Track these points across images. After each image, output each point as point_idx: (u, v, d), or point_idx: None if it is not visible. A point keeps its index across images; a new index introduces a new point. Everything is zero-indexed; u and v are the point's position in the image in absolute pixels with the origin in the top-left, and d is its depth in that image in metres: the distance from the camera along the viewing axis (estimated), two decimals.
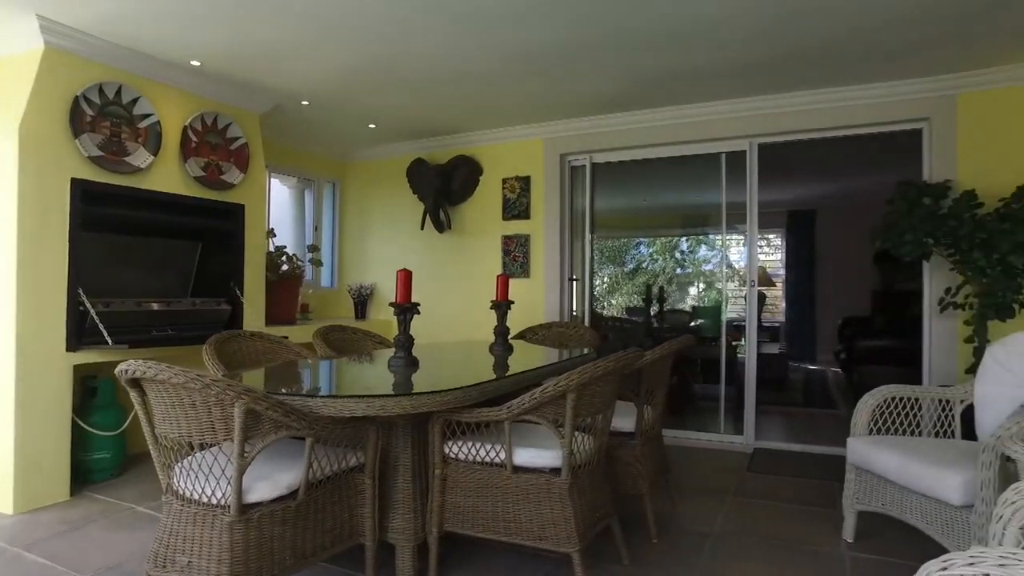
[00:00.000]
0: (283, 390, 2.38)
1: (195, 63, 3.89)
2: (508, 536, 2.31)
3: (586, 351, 3.67)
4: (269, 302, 4.84)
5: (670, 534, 2.94)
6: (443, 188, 5.56)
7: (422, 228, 5.68)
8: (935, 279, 4.07)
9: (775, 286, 9.80)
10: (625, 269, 11.52)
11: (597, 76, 4.12)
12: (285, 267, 5.13)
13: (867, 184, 8.34)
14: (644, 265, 11.51)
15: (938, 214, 3.65)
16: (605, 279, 11.78)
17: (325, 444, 2.14)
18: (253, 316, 4.54)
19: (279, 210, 6.06)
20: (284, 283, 5.09)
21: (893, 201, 3.90)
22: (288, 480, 1.98)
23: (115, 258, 3.92)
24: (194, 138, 4.11)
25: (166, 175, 3.97)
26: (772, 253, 10.27)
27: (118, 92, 3.65)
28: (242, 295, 4.43)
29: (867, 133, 4.41)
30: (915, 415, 2.99)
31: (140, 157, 3.75)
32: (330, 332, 3.74)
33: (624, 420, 2.91)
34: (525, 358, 3.37)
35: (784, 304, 9.98)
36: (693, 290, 10.92)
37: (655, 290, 7.36)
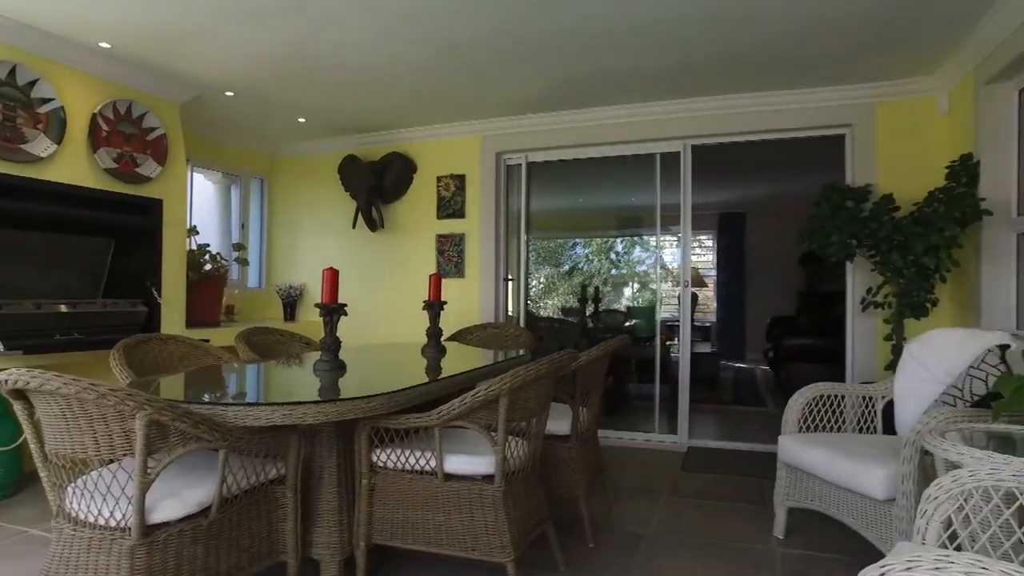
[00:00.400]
0: (199, 398, 2.21)
1: (104, 45, 3.61)
2: (439, 547, 2.21)
3: (521, 352, 3.60)
4: (190, 303, 4.56)
5: (606, 537, 2.90)
6: (376, 185, 5.39)
7: (354, 227, 5.50)
8: (858, 280, 4.21)
9: (707, 287, 10.03)
10: (562, 270, 11.60)
11: (531, 73, 4.07)
12: (208, 266, 4.86)
13: (794, 187, 8.64)
14: (580, 266, 11.60)
15: (860, 217, 3.76)
16: (541, 280, 11.82)
17: (241, 455, 1.99)
18: (172, 318, 4.27)
19: (203, 206, 5.74)
20: (207, 283, 4.82)
21: (819, 204, 4.00)
22: (199, 496, 1.82)
23: (11, 256, 3.59)
24: (105, 127, 3.82)
25: (72, 166, 3.67)
26: (704, 254, 10.52)
27: (12, 72, 3.34)
28: (160, 296, 4.16)
29: (795, 137, 4.52)
30: (840, 411, 3.06)
31: (40, 145, 3.45)
32: (254, 334, 3.54)
33: (559, 423, 2.86)
34: (458, 360, 3.27)
35: (715, 304, 10.23)
36: (628, 291, 11.07)
37: (590, 291, 7.38)
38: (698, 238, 10.57)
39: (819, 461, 2.64)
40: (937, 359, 2.80)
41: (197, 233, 4.98)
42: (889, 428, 2.97)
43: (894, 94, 4.16)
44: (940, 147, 4.03)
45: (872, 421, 3.02)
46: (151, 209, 4.15)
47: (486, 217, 5.20)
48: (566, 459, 2.85)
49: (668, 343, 5.82)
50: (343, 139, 5.67)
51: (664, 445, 4.68)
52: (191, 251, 4.74)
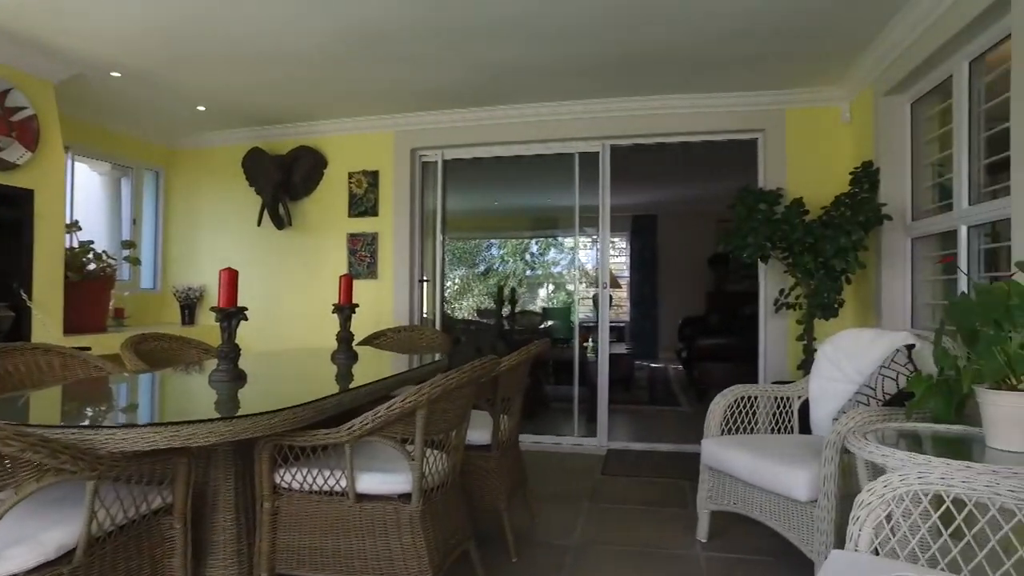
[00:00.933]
0: (69, 418, 1.90)
1: None
2: (351, 574, 2.01)
3: (437, 357, 3.42)
4: (70, 307, 4.07)
5: (530, 550, 2.77)
6: (283, 181, 5.05)
7: (259, 224, 5.13)
8: (770, 281, 4.30)
9: (620, 287, 10.18)
10: (478, 271, 11.47)
11: (444, 65, 3.90)
12: (92, 266, 4.37)
13: (704, 191, 8.91)
14: (495, 267, 11.51)
15: (772, 219, 3.83)
16: (457, 281, 11.65)
17: (117, 484, 1.70)
18: (47, 324, 3.80)
19: (88, 200, 5.20)
20: (90, 285, 4.34)
21: (735, 206, 4.05)
22: (60, 538, 1.53)
23: None
24: None
25: None
26: (617, 256, 10.67)
27: None
28: (30, 299, 3.68)
29: (710, 140, 4.58)
30: (754, 412, 3.07)
31: None
32: (143, 341, 3.18)
33: (479, 432, 2.70)
34: (371, 367, 3.06)
35: (628, 305, 10.40)
36: (544, 292, 11.08)
37: (507, 292, 7.29)
38: (612, 240, 10.70)
39: (742, 464, 2.61)
40: (849, 359, 2.85)
41: (79, 229, 4.48)
42: (805, 427, 3.00)
43: (803, 101, 4.28)
44: (844, 154, 4.19)
45: (788, 421, 3.05)
46: (19, 200, 3.67)
47: (400, 215, 4.98)
48: (487, 470, 2.70)
49: (584, 344, 5.80)
50: (248, 131, 5.28)
51: (583, 448, 4.63)
52: (71, 249, 4.25)
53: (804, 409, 3.03)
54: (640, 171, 7.22)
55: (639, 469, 4.10)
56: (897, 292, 3.59)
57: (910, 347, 2.61)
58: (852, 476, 2.19)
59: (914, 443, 1.97)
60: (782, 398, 3.07)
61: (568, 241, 4.55)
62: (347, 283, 3.27)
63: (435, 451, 2.15)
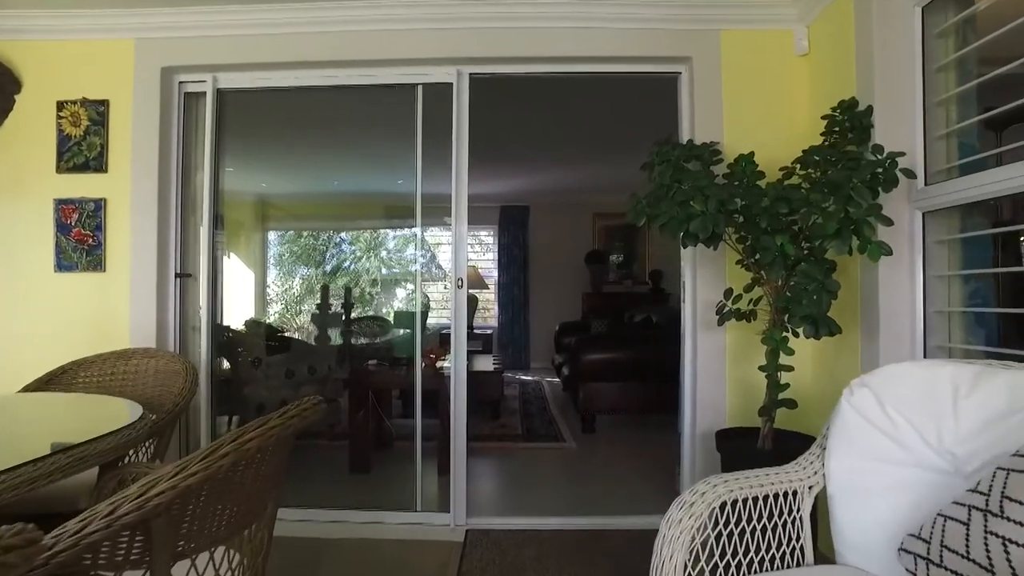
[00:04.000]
0: None
1: None
2: None
3: (134, 416, 1.66)
4: None
5: None
6: None
7: None
8: (701, 277, 2.91)
9: (487, 288, 8.68)
10: (324, 269, 9.47)
11: None
12: None
13: (582, 179, 7.67)
14: (347, 265, 9.57)
15: (714, 184, 2.42)
16: (297, 282, 9.57)
17: None
18: None
19: None
20: None
21: (651, 166, 2.63)
22: None
23: None
24: None
25: None
26: (484, 252, 9.17)
27: None
28: None
29: (612, 74, 3.12)
30: (728, 518, 1.60)
31: None
32: None
33: None
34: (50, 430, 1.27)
35: (497, 308, 8.93)
36: (401, 293, 9.33)
37: (337, 295, 5.50)
38: (476, 234, 9.20)
39: None
40: (923, 420, 1.45)
41: None
42: (825, 540, 1.58)
43: (744, 20, 2.94)
44: (799, 98, 2.91)
45: (790, 535, 1.60)
46: None
47: (144, 174, 3.08)
48: None
49: (439, 363, 4.20)
50: None
51: (429, 530, 2.99)
52: None
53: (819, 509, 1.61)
54: (508, 149, 5.73)
55: (520, 570, 2.55)
56: (900, 294, 2.30)
57: None
58: None
59: None
60: (780, 493, 1.62)
61: (411, 229, 3.03)
62: None
63: None
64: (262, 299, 6.05)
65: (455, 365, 3.06)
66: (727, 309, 2.52)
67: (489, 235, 9.07)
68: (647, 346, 4.81)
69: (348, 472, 3.89)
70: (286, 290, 7.31)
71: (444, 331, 7.38)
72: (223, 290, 4.00)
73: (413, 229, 3.22)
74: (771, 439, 2.40)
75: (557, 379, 6.65)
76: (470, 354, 7.37)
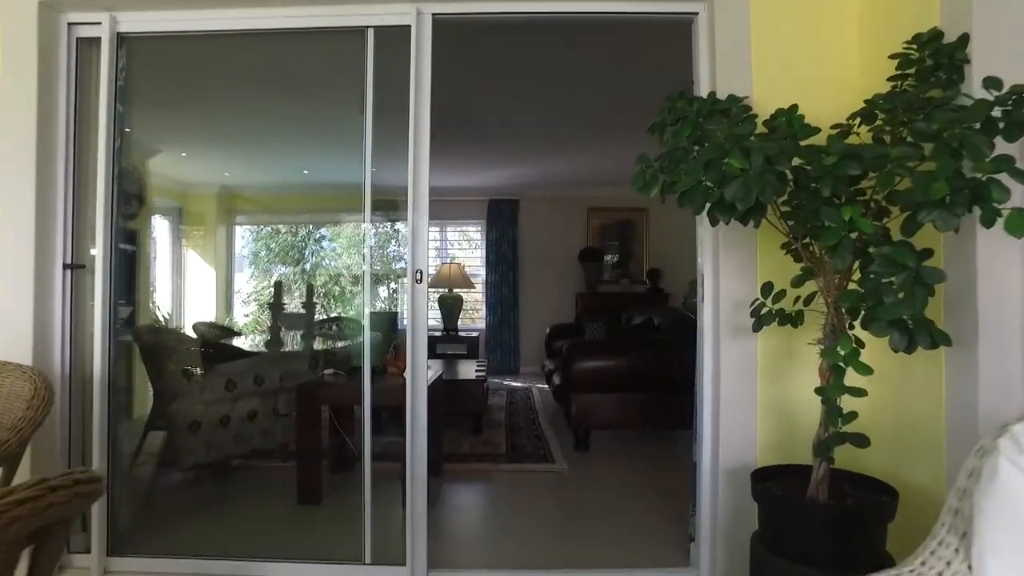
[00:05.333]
0: None
1: None
2: None
3: None
4: None
5: None
6: None
7: None
8: (728, 270, 2.26)
9: (474, 288, 8.01)
10: (304, 266, 8.78)
11: None
12: None
13: (576, 170, 7.01)
14: (325, 262, 8.90)
15: (757, 136, 1.77)
16: (269, 280, 8.87)
17: None
18: None
19: None
20: None
21: (660, 127, 1.98)
22: None
23: None
24: None
25: None
26: (471, 249, 8.51)
27: None
28: None
29: (606, 17, 2.46)
30: None
31: None
32: None
33: None
34: None
35: (484, 309, 8.26)
36: (384, 292, 8.66)
37: (302, 295, 4.85)
38: (464, 230, 8.55)
39: None
40: None
41: None
42: None
43: None
44: (845, 38, 2.27)
45: None
46: None
47: (18, 136, 2.40)
48: None
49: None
50: None
51: None
52: None
53: None
54: (492, 137, 5.06)
55: None
56: (1010, 286, 1.65)
57: None
58: None
59: None
60: None
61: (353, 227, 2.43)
62: None
63: None
64: (178, 298, 5.36)
65: (412, 376, 2.40)
66: (766, 310, 1.86)
67: (477, 231, 8.41)
68: (648, 352, 4.16)
69: (296, 503, 3.22)
70: (235, 289, 6.61)
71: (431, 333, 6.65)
72: (138, 284, 3.34)
73: (362, 223, 2.55)
74: (827, 484, 1.75)
75: (547, 385, 6.00)
76: (452, 359, 6.72)
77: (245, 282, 7.51)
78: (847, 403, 1.67)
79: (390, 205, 2.72)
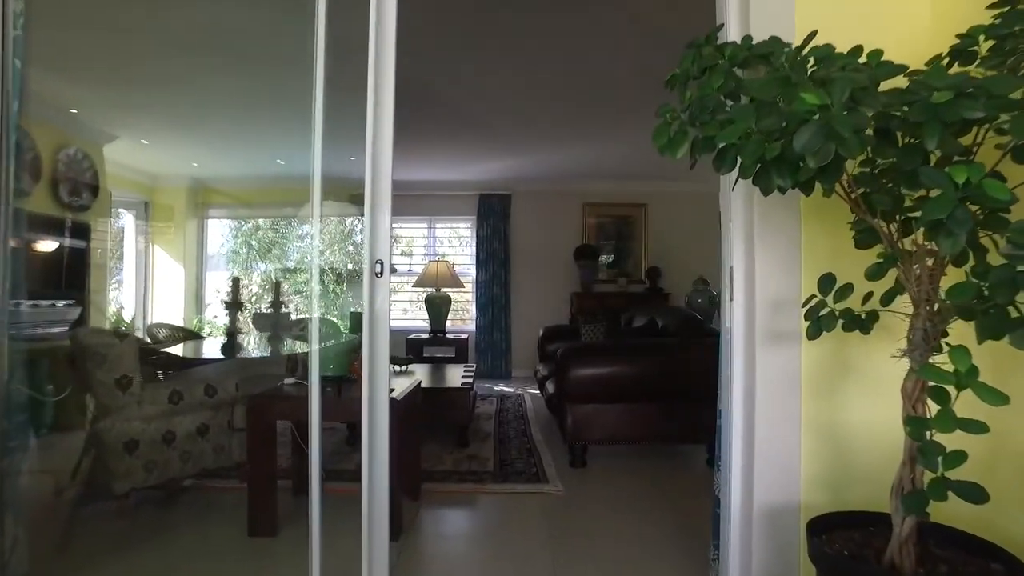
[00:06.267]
0: None
1: None
2: None
3: None
4: None
5: None
6: None
7: None
8: (767, 261, 1.79)
9: (463, 287, 7.53)
10: (287, 264, 8.30)
11: None
12: None
13: (571, 162, 6.53)
14: (308, 258, 8.41)
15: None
16: (259, 278, 8.37)
17: None
18: None
19: None
20: None
21: (679, 80, 1.51)
22: None
23: None
24: None
25: None
26: (461, 247, 8.04)
27: None
28: None
29: None
30: None
31: None
32: None
33: None
34: None
35: (474, 310, 7.78)
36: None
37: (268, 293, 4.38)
38: (454, 227, 8.07)
39: None
40: None
41: None
42: None
43: None
44: None
45: None
46: None
47: None
48: None
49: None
50: None
51: None
52: None
53: None
54: (481, 91, 4.58)
55: None
56: None
57: None
58: None
59: None
60: None
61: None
62: None
63: None
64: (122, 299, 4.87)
65: (370, 385, 1.92)
66: (827, 310, 1.39)
67: (467, 227, 7.94)
68: (653, 357, 3.69)
69: (248, 535, 2.74)
70: (205, 287, 6.11)
71: (410, 335, 6.19)
72: (89, 283, 2.87)
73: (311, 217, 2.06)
74: (914, 548, 1.29)
75: (540, 393, 5.52)
76: (439, 363, 6.24)
77: (216, 279, 7.02)
78: (949, 438, 1.21)
79: (358, 198, 2.25)
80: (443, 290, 6.89)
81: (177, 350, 4.18)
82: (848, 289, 1.37)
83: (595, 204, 7.67)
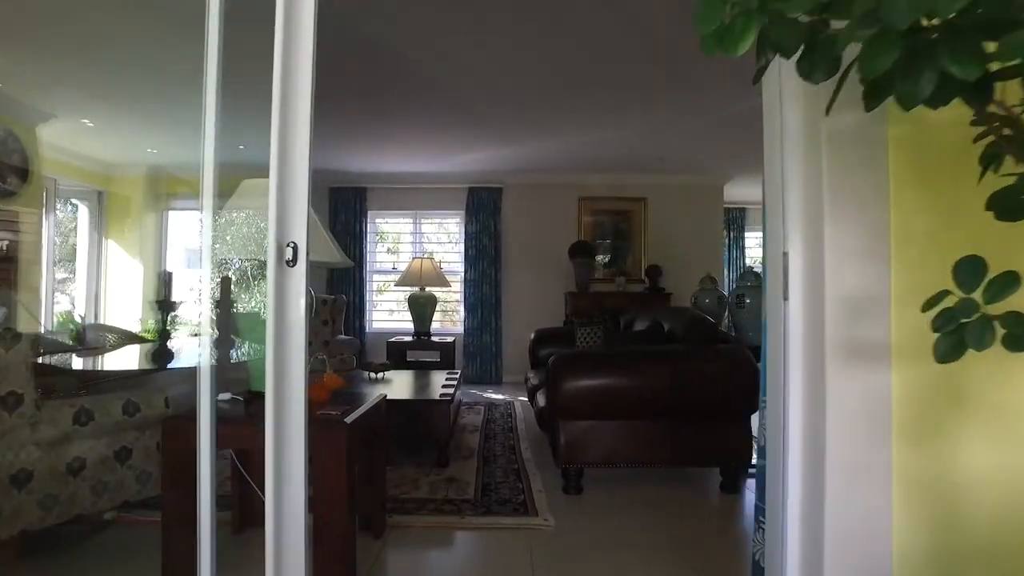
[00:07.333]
0: None
1: None
2: None
3: None
4: None
5: None
6: None
7: None
8: (840, 246, 1.25)
9: (449, 286, 6.98)
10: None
11: None
12: None
13: (566, 152, 5.97)
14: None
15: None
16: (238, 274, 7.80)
17: None
18: None
19: None
20: None
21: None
22: None
23: None
24: None
25: None
26: (452, 244, 7.49)
27: None
28: None
29: None
30: None
31: None
32: None
33: None
34: None
35: (463, 311, 7.24)
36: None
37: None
38: (442, 222, 7.54)
39: None
40: None
41: None
42: None
43: None
44: None
45: None
46: None
47: None
48: None
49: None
50: None
51: None
52: None
53: None
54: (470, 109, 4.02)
55: None
56: None
57: None
58: None
59: None
60: None
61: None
62: None
63: None
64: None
65: (275, 400, 1.37)
66: (977, 315, 0.85)
67: (455, 222, 7.39)
68: (658, 367, 3.15)
69: None
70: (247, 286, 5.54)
71: (390, 338, 5.58)
72: (17, 280, 2.30)
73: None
74: None
75: (531, 403, 4.99)
76: (421, 368, 5.69)
77: (190, 277, 6.46)
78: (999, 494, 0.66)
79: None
80: (428, 289, 6.35)
81: (117, 358, 3.62)
82: (1013, 281, 0.83)
83: (591, 198, 7.14)
